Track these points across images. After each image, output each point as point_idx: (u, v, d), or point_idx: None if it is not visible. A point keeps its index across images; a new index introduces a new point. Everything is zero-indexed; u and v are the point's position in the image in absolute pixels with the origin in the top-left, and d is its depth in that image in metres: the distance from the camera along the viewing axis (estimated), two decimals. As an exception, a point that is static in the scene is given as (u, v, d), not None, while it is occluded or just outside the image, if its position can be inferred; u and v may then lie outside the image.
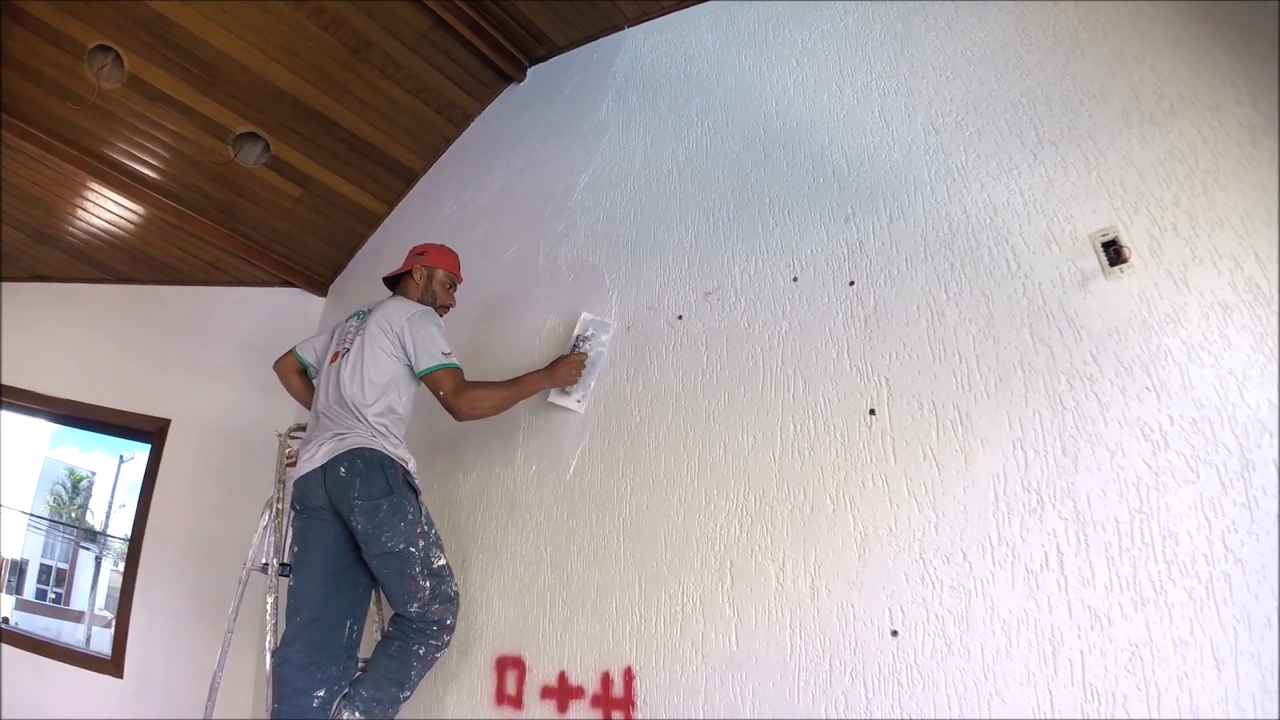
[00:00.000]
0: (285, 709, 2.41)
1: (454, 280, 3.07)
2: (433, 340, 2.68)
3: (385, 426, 2.64)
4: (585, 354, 2.93)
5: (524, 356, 3.25)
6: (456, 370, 2.66)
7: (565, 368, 2.86)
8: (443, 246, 3.11)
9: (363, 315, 2.89)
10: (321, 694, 2.43)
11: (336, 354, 2.81)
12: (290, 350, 3.10)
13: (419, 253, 3.05)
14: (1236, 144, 1.91)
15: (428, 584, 2.50)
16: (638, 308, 2.95)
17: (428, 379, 2.65)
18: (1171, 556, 1.67)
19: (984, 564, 1.88)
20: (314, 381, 3.04)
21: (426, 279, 3.00)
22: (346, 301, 4.67)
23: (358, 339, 2.76)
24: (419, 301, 2.91)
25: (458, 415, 2.64)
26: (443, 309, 3.00)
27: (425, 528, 2.58)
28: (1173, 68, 2.08)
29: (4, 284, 4.71)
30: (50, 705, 3.95)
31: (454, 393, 2.61)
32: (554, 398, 2.96)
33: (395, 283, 3.08)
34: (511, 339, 3.37)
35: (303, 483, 2.63)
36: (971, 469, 1.97)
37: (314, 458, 2.61)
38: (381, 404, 2.65)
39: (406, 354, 2.69)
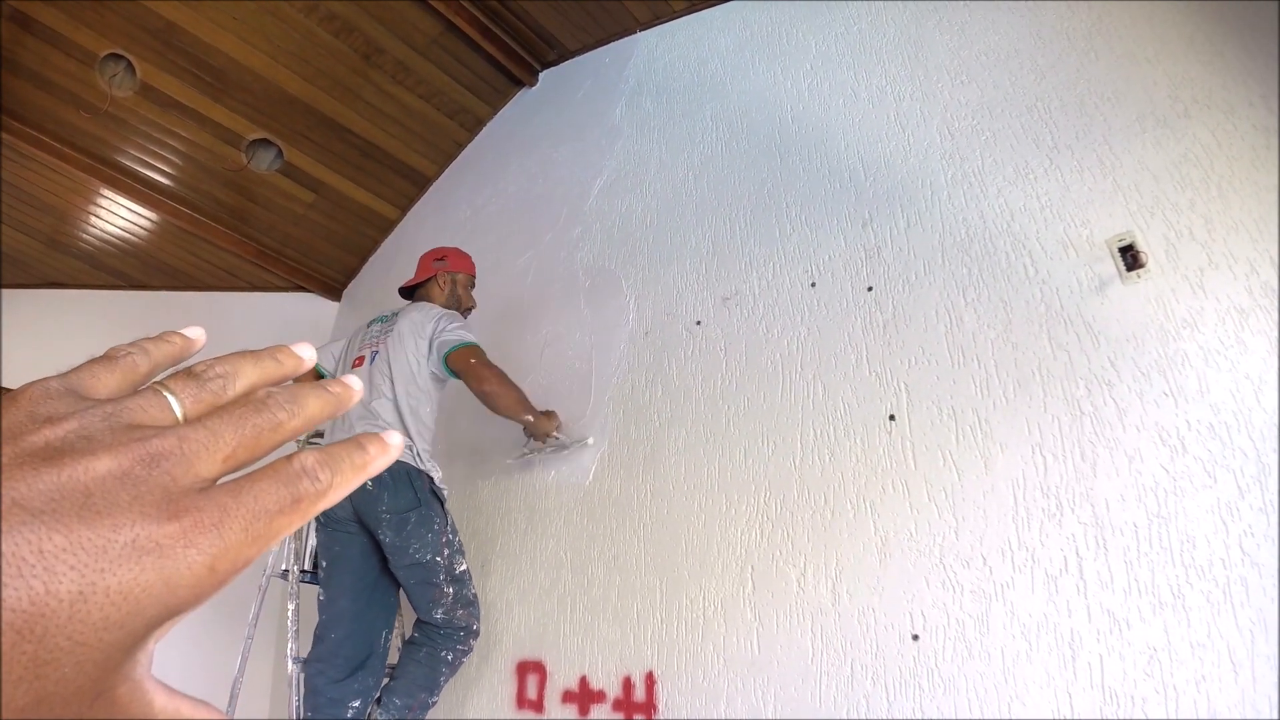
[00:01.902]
0: (320, 717, 2.44)
1: (473, 281, 3.11)
2: (460, 329, 2.74)
3: (418, 433, 2.64)
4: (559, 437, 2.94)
5: (538, 361, 3.27)
6: (481, 349, 2.72)
7: (552, 418, 2.90)
8: (457, 250, 3.13)
9: (386, 320, 2.89)
10: (356, 704, 2.46)
11: (361, 359, 2.81)
12: None
13: (438, 258, 3.05)
14: (1251, 147, 1.92)
15: (450, 589, 2.52)
16: (655, 313, 2.96)
17: (455, 354, 2.68)
18: (1189, 561, 1.68)
19: (1004, 568, 1.89)
20: None
21: (451, 284, 3.01)
22: (360, 306, 4.69)
23: (384, 344, 2.76)
24: (445, 305, 2.93)
25: (482, 384, 2.67)
26: (467, 311, 3.04)
27: (450, 536, 2.60)
28: (1186, 70, 2.08)
29: (19, 291, 4.74)
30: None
31: (482, 364, 2.68)
32: (527, 451, 3.03)
33: (411, 292, 3.09)
34: (527, 344, 3.38)
35: None
36: (991, 474, 1.98)
37: None
38: (416, 405, 2.67)
39: (432, 348, 2.71)
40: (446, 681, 2.56)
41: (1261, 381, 1.72)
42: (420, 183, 4.55)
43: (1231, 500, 1.67)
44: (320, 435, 3.18)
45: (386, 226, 4.73)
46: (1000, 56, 2.44)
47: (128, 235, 4.48)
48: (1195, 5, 2.15)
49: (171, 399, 0.32)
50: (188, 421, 0.31)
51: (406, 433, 2.63)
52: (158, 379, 0.33)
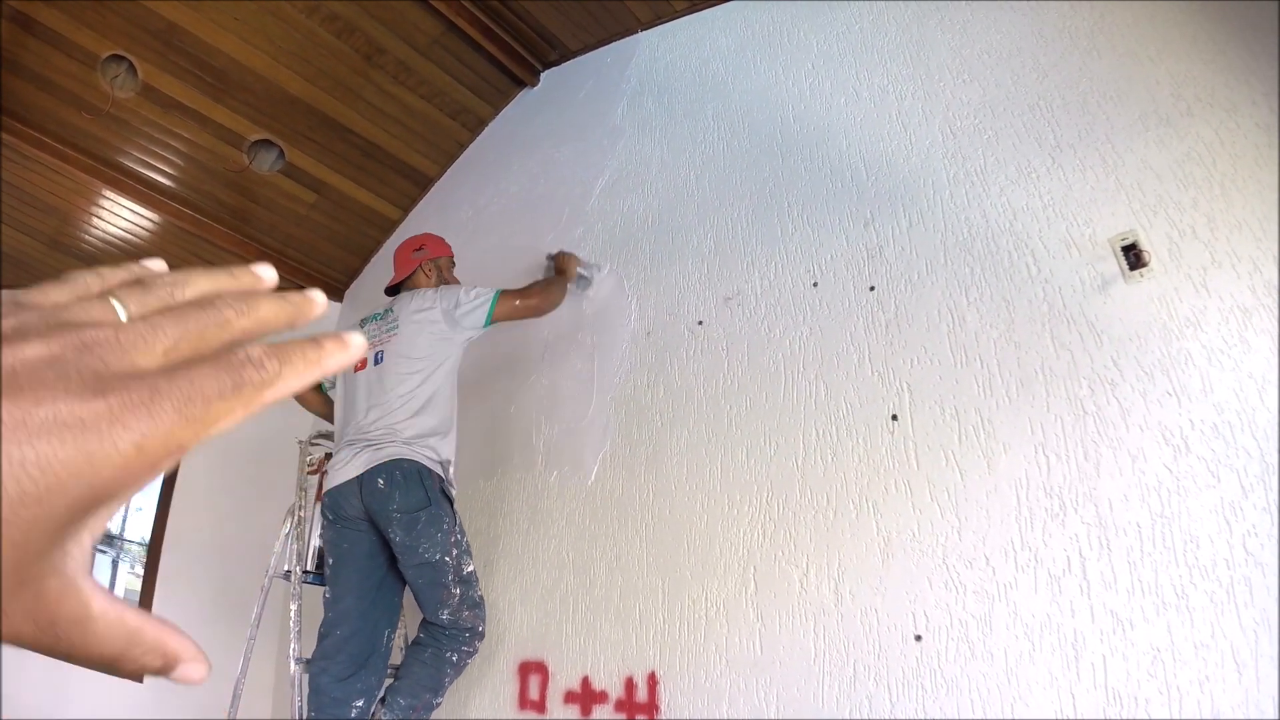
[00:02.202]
0: (324, 717, 2.43)
1: (453, 263, 3.13)
2: (474, 288, 2.81)
3: (425, 431, 2.63)
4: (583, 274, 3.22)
5: (538, 362, 3.28)
6: (506, 291, 2.82)
7: (569, 263, 3.13)
8: (431, 235, 3.13)
9: (380, 318, 2.87)
10: (360, 704, 2.46)
11: (364, 362, 2.79)
12: None
13: (416, 248, 3.04)
14: (1254, 145, 1.92)
15: (458, 590, 2.51)
16: (657, 313, 2.96)
17: (496, 312, 2.78)
18: (1193, 561, 1.68)
19: (1007, 569, 1.89)
20: (329, 394, 3.05)
21: (436, 270, 3.00)
22: (362, 307, 4.68)
23: (391, 341, 2.75)
24: None
25: (538, 313, 2.90)
26: None
27: (458, 536, 2.59)
28: (1189, 69, 2.08)
29: (20, 292, 4.75)
30: (69, 709, 3.98)
31: (524, 299, 2.83)
32: (578, 289, 3.25)
33: (396, 289, 3.07)
34: (529, 344, 3.38)
35: (336, 493, 2.61)
36: (994, 474, 1.98)
37: (349, 467, 2.58)
38: (434, 396, 2.67)
39: (460, 321, 2.75)
40: (451, 682, 2.56)
41: (1265, 381, 1.72)
42: (422, 183, 4.53)
43: (1235, 500, 1.67)
44: (326, 436, 3.18)
45: (389, 227, 4.72)
46: (1002, 55, 2.44)
47: (130, 236, 4.48)
48: (1197, 4, 2.15)
49: (116, 304, 0.31)
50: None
51: (428, 429, 2.63)
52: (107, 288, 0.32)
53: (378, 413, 2.63)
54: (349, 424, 2.71)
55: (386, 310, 2.88)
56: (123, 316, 0.31)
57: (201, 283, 0.35)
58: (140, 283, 0.33)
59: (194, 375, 0.28)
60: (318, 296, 0.36)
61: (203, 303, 0.32)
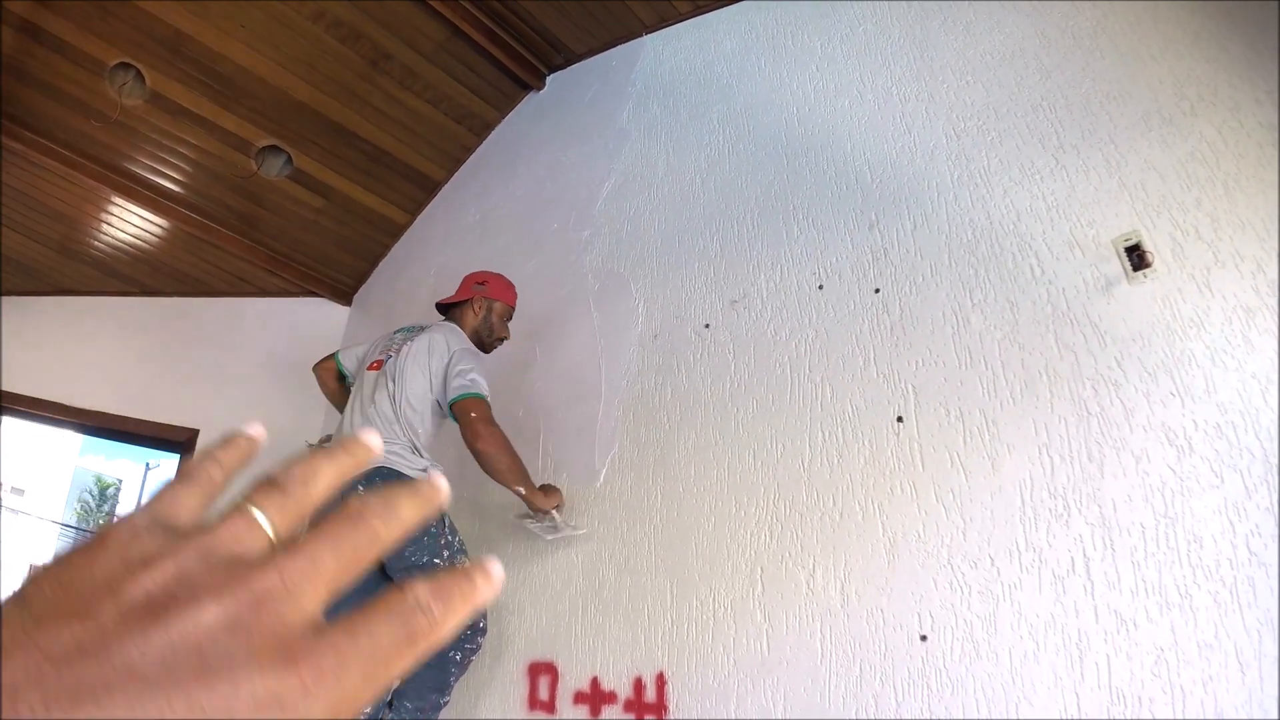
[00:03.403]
0: None
1: (510, 313, 3.06)
2: (473, 373, 2.65)
3: (412, 442, 2.64)
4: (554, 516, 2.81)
5: (546, 366, 3.29)
6: (486, 403, 2.63)
7: (552, 494, 2.80)
8: (501, 277, 3.06)
9: (410, 331, 2.88)
10: (367, 711, 2.47)
11: (379, 362, 2.82)
12: (332, 355, 3.11)
13: (479, 282, 3.00)
14: (1257, 144, 1.92)
15: None
16: (664, 316, 2.97)
17: (459, 404, 2.59)
18: (1196, 561, 1.69)
19: (1011, 569, 1.90)
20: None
21: (486, 310, 2.97)
22: (370, 311, 4.71)
23: (404, 350, 2.75)
24: (475, 330, 2.91)
25: (476, 441, 2.57)
26: (498, 341, 3.01)
27: (449, 538, 2.58)
28: (1191, 67, 2.09)
29: (31, 298, 4.80)
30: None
31: (482, 420, 2.58)
32: (523, 519, 2.86)
33: (448, 309, 3.06)
34: (535, 348, 3.39)
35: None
36: (998, 475, 1.99)
37: None
38: (414, 417, 2.67)
39: (442, 379, 2.66)
40: (456, 681, 2.57)
41: (1268, 381, 1.73)
42: (429, 187, 4.54)
43: (1238, 500, 1.68)
44: (331, 439, 3.20)
45: (396, 231, 4.73)
46: (1005, 56, 2.45)
47: (139, 242, 4.51)
48: (1199, 3, 2.16)
49: (260, 516, 0.31)
50: (284, 545, 0.30)
51: (411, 436, 2.64)
52: (242, 495, 0.32)
53: (366, 416, 2.65)
54: (346, 427, 2.75)
55: (420, 327, 2.85)
56: (269, 531, 0.30)
57: (327, 469, 0.34)
58: (272, 484, 0.32)
59: (374, 632, 0.28)
60: (443, 485, 0.36)
61: (350, 518, 0.31)
